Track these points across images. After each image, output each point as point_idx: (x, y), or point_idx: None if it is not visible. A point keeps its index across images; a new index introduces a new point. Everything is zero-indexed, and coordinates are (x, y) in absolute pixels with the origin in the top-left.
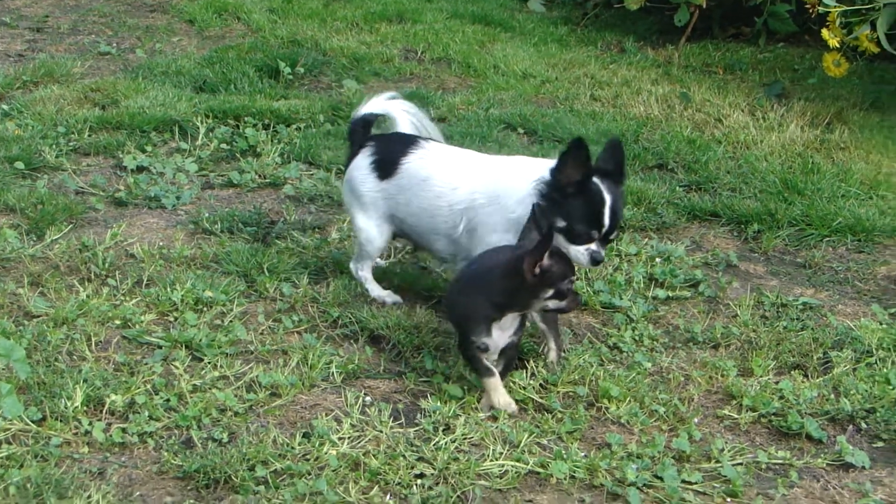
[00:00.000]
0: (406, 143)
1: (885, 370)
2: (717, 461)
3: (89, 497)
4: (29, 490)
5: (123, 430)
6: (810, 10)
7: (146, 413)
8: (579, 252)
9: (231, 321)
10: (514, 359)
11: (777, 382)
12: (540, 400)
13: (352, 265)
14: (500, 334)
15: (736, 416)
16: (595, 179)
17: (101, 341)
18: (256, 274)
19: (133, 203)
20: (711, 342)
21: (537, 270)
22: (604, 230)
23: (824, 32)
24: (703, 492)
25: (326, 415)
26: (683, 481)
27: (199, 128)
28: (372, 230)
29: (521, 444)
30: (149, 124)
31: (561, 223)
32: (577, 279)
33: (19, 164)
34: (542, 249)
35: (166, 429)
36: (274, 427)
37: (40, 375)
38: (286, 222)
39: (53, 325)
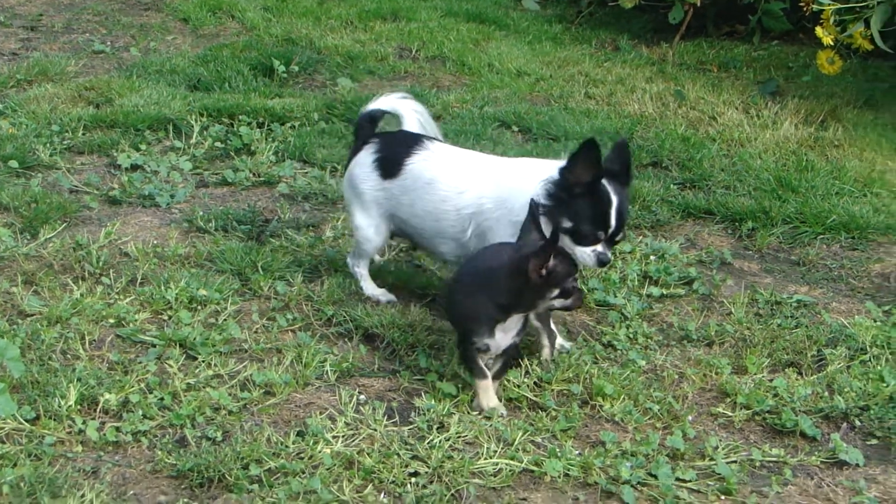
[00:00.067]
0: (411, 142)
1: (878, 367)
2: (712, 459)
3: (83, 496)
4: (22, 489)
5: (117, 428)
6: (804, 8)
7: (140, 412)
8: (585, 253)
9: (225, 320)
10: (512, 359)
11: (771, 380)
12: (534, 398)
13: (349, 260)
14: (503, 336)
15: (730, 413)
16: (602, 180)
17: (94, 340)
18: (251, 272)
19: (127, 201)
20: (705, 340)
21: (543, 272)
22: (610, 231)
23: (818, 30)
24: (697, 490)
25: (320, 413)
26: (677, 479)
27: (193, 126)
28: (370, 229)
29: (516, 443)
30: (143, 123)
31: (567, 223)
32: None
33: (13, 163)
34: (548, 250)
35: (160, 427)
36: (268, 425)
37: (34, 374)
38: (280, 220)
39: (47, 324)
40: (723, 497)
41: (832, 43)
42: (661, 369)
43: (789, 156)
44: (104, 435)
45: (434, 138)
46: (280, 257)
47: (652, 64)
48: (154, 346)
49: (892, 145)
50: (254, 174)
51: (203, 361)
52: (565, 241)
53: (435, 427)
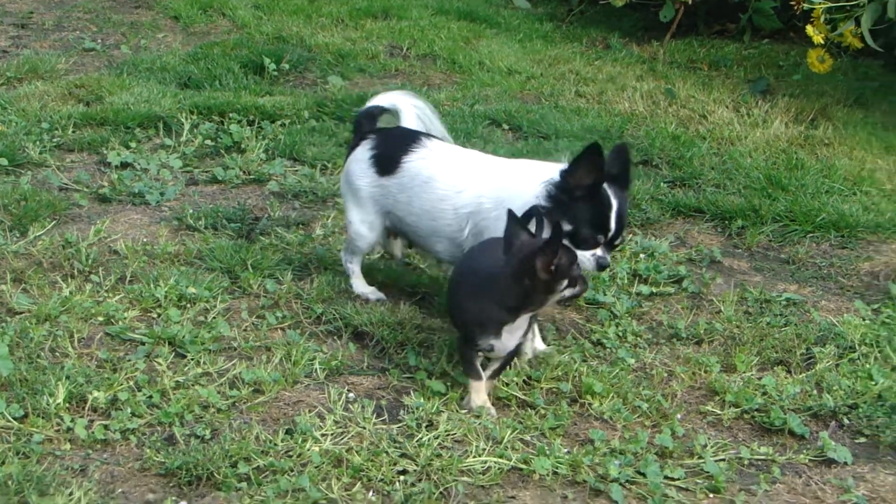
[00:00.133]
0: (409, 139)
1: (867, 366)
2: (700, 457)
3: (71, 494)
4: (10, 487)
5: (106, 426)
6: (795, 7)
7: (129, 410)
8: (585, 257)
9: (214, 318)
10: (510, 360)
11: (760, 378)
12: (523, 396)
13: (342, 255)
14: (510, 336)
15: (719, 411)
16: (603, 184)
17: (83, 338)
18: (240, 270)
19: (117, 199)
20: (695, 338)
21: (553, 268)
22: (609, 235)
23: (809, 29)
24: (685, 488)
25: (309, 411)
26: (666, 477)
27: (183, 124)
28: (363, 225)
29: (504, 441)
30: (133, 120)
31: (567, 227)
32: None
33: (3, 161)
34: (555, 247)
35: (149, 425)
36: (257, 424)
37: (22, 372)
38: (270, 218)
39: (36, 322)
40: (711, 495)
41: (822, 41)
42: (650, 367)
43: (779, 154)
44: (92, 433)
45: (434, 136)
46: (270, 255)
47: (642, 62)
48: (143, 343)
49: (881, 144)
50: (244, 172)
51: (192, 359)
52: None
53: (424, 425)
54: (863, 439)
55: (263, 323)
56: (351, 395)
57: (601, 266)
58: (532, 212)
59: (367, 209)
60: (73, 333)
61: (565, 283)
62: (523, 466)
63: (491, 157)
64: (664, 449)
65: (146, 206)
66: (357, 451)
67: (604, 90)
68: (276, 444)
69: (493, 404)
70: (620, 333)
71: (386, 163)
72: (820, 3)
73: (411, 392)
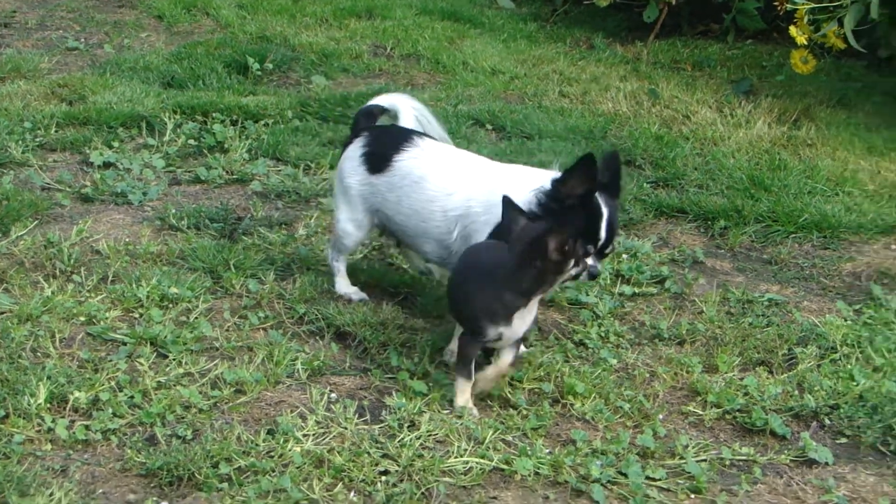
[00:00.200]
0: (401, 138)
1: (849, 366)
2: (682, 457)
3: (51, 494)
4: None
5: (87, 427)
6: (778, 7)
7: (110, 410)
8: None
9: (196, 318)
10: (519, 346)
11: (742, 379)
12: (505, 396)
13: (329, 252)
14: (520, 322)
15: (700, 412)
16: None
17: (65, 338)
18: (223, 270)
19: (99, 199)
20: (677, 338)
21: (566, 248)
22: (600, 244)
23: (792, 29)
24: (667, 488)
25: (291, 412)
26: (647, 478)
27: (166, 124)
28: (350, 224)
29: (486, 441)
30: (116, 120)
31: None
32: None
33: None
34: (566, 227)
35: (130, 426)
36: (238, 424)
37: (3, 372)
38: (253, 218)
39: (17, 322)
40: (692, 495)
41: (806, 42)
42: (632, 368)
43: (762, 155)
44: (73, 433)
45: (430, 136)
46: (252, 255)
47: (626, 62)
48: (125, 344)
49: (864, 144)
50: (227, 172)
51: (174, 360)
52: None
53: (405, 426)
54: (844, 440)
55: (246, 323)
56: (333, 395)
57: (592, 275)
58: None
59: (355, 207)
60: (55, 333)
61: (572, 262)
62: (505, 467)
63: (484, 160)
64: (646, 449)
65: (129, 206)
66: (339, 452)
67: (587, 90)
68: (257, 445)
69: (475, 404)
70: (603, 334)
71: (377, 160)
72: (803, 4)
73: (393, 392)
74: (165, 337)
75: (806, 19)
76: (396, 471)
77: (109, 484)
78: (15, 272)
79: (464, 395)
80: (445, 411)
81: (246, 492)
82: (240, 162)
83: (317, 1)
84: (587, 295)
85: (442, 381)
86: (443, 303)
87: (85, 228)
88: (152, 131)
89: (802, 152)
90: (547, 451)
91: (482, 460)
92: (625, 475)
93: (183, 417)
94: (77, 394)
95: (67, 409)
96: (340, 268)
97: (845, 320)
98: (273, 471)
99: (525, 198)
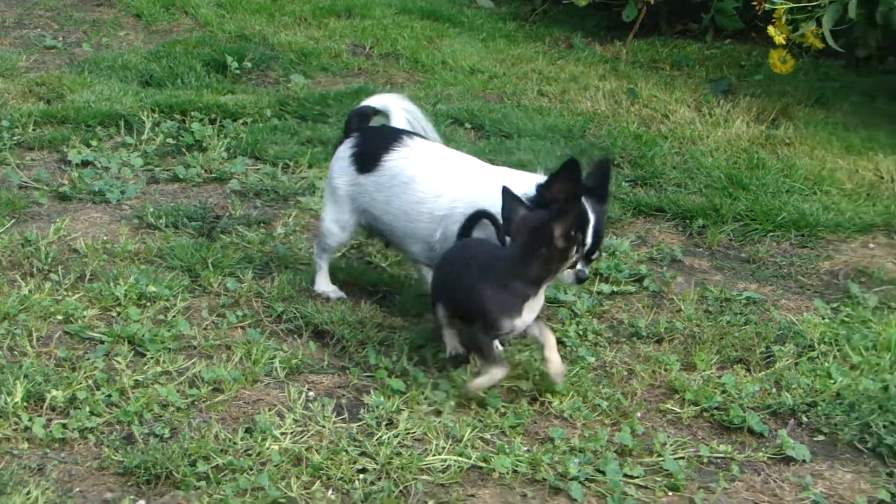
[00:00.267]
0: (391, 137)
1: (826, 364)
2: (660, 455)
3: (28, 493)
4: None
5: (64, 425)
6: (757, 7)
7: (87, 408)
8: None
9: (174, 316)
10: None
11: (720, 377)
12: (483, 394)
13: (314, 248)
14: (530, 312)
15: (678, 410)
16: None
17: (42, 336)
18: (201, 269)
19: (77, 198)
20: (655, 337)
21: (572, 234)
22: (586, 249)
23: (770, 29)
24: (644, 486)
25: (269, 410)
26: (625, 475)
27: (144, 122)
28: (335, 224)
29: (464, 439)
30: (94, 119)
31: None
32: None
33: None
34: (570, 214)
35: (107, 424)
36: (216, 422)
37: None
38: (231, 217)
39: None
40: (670, 493)
41: (784, 42)
42: (610, 366)
43: (740, 154)
44: (50, 432)
45: (421, 136)
46: (231, 254)
47: (605, 62)
48: (102, 342)
49: (842, 144)
50: (205, 170)
51: (151, 358)
52: None
53: (384, 424)
54: (821, 437)
55: (224, 321)
56: (311, 393)
57: (579, 280)
58: (478, 215)
59: (342, 208)
60: (32, 332)
61: (575, 248)
62: (483, 465)
63: (474, 162)
64: (624, 447)
65: (107, 205)
66: (317, 450)
67: (566, 89)
68: (235, 443)
69: (459, 405)
70: (581, 332)
71: (366, 160)
72: (781, 4)
73: (371, 391)
74: (143, 335)
75: (784, 19)
76: (374, 469)
77: (87, 482)
78: None
79: (493, 381)
80: (423, 409)
81: (224, 490)
82: (218, 160)
83: (295, 0)
84: (565, 293)
85: (420, 380)
86: (421, 301)
87: (63, 227)
88: (130, 130)
89: (780, 151)
90: (525, 448)
91: (460, 458)
92: (603, 473)
93: (160, 416)
94: (54, 392)
95: (44, 407)
96: (322, 265)
97: (823, 318)
98: (251, 469)
99: None
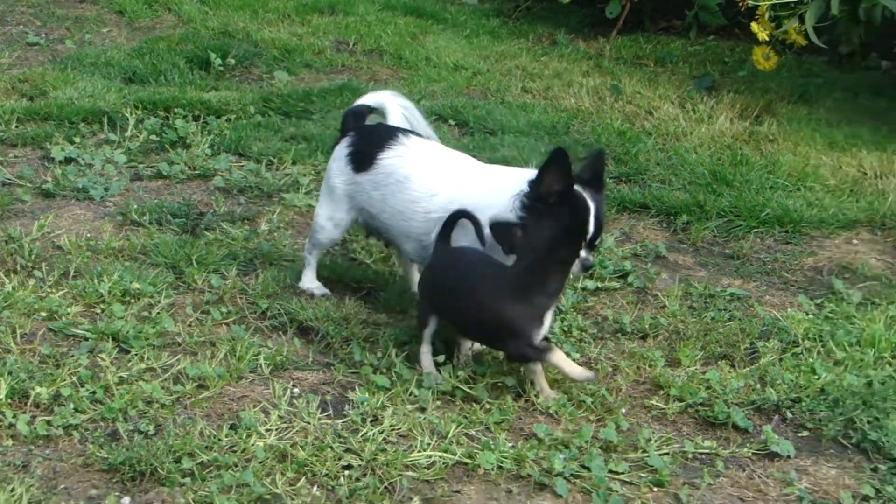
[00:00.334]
0: (387, 136)
1: (810, 360)
2: (644, 451)
3: (13, 490)
4: None
5: (48, 422)
6: (740, 4)
7: (71, 405)
8: None
9: (159, 313)
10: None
11: (704, 373)
12: (468, 390)
13: (307, 242)
14: (548, 319)
15: (663, 406)
16: (577, 188)
17: (26, 333)
18: (185, 265)
19: (61, 194)
20: (640, 333)
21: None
22: (589, 236)
23: (754, 26)
24: (629, 481)
25: (254, 406)
26: (610, 471)
27: (128, 119)
28: (328, 221)
29: (449, 435)
30: (77, 115)
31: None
32: None
33: None
34: (561, 219)
35: (92, 421)
36: (201, 419)
37: None
38: (215, 214)
39: None
40: (655, 489)
41: (767, 38)
42: (595, 362)
43: (724, 150)
44: (35, 429)
45: (418, 134)
46: (215, 250)
47: (589, 58)
48: (86, 339)
49: (825, 140)
50: (189, 167)
51: (136, 355)
52: None
53: (369, 420)
54: (805, 433)
55: (208, 318)
56: (296, 390)
57: (585, 267)
58: (457, 215)
59: (339, 207)
60: (16, 329)
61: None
62: (468, 461)
63: (470, 160)
64: (609, 443)
65: (90, 202)
66: (302, 446)
67: (550, 86)
68: (220, 440)
69: (437, 398)
70: (565, 328)
71: (362, 159)
72: (765, 1)
73: (356, 387)
74: (127, 332)
75: (767, 16)
76: (359, 465)
77: (71, 479)
78: None
79: (568, 363)
80: (408, 406)
81: (208, 486)
82: (202, 157)
83: None
84: None
85: (405, 376)
86: (405, 297)
87: (46, 224)
88: (114, 127)
89: (764, 147)
90: (510, 444)
91: (445, 454)
92: (588, 469)
93: (145, 412)
94: (38, 389)
95: (29, 404)
96: (311, 261)
97: (807, 314)
98: (236, 465)
99: (508, 203)
